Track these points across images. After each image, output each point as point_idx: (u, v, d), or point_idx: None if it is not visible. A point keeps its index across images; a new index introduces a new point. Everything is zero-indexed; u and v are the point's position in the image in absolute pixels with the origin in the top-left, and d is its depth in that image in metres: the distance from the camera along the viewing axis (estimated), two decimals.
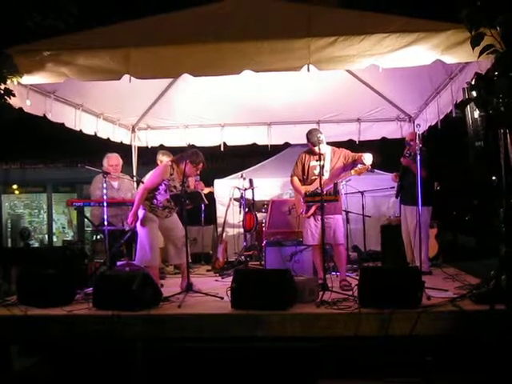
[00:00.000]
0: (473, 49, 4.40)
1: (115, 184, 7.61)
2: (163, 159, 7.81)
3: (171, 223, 6.39)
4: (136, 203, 6.18)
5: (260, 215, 9.23)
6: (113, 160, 7.56)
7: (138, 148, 10.09)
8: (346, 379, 4.63)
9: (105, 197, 6.61)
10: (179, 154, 6.41)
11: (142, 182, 6.53)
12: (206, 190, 8.55)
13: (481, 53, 4.38)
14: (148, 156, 9.70)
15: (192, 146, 6.41)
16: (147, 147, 10.03)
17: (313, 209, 6.33)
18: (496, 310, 4.38)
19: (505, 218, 4.82)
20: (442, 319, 4.65)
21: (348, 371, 4.64)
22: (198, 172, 6.41)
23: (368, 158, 6.11)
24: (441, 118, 7.61)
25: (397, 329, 4.61)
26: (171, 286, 6.45)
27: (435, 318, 4.65)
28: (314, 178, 6.39)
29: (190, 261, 6.38)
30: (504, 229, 4.84)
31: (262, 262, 7.82)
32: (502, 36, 4.34)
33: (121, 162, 7.66)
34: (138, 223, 6.18)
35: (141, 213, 6.17)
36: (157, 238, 6.33)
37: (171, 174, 6.22)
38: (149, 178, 6.49)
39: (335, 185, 6.33)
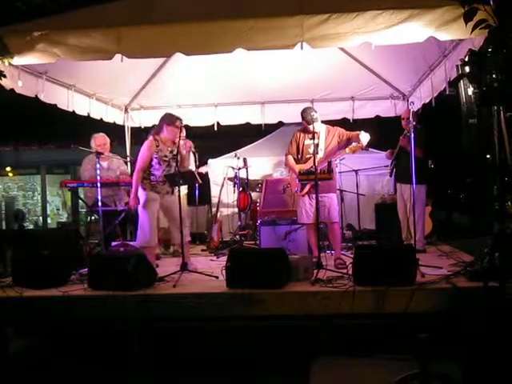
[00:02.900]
0: (465, 24, 4.35)
1: (105, 164, 7.56)
2: None
3: (171, 203, 6.36)
4: (134, 186, 6.17)
5: (254, 194, 9.24)
6: (99, 140, 7.53)
7: (131, 128, 10.07)
8: (341, 357, 4.65)
9: (98, 177, 6.58)
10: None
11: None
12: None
13: (474, 28, 4.34)
14: (141, 136, 9.68)
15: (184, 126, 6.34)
16: (140, 127, 10.01)
17: (307, 187, 6.33)
18: (489, 287, 4.40)
19: (498, 196, 4.82)
20: (437, 296, 4.66)
21: (343, 349, 4.66)
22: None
23: (365, 137, 6.05)
24: (435, 95, 7.59)
25: (391, 306, 4.63)
26: (166, 265, 6.46)
27: (429, 295, 4.66)
28: (308, 156, 6.37)
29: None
30: (498, 206, 4.84)
31: (257, 242, 7.84)
32: (495, 11, 4.31)
33: (108, 140, 7.62)
34: (140, 205, 6.17)
35: (142, 194, 6.17)
36: (155, 218, 6.35)
37: (157, 146, 6.23)
38: (138, 158, 6.45)
39: (329, 163, 6.31)
